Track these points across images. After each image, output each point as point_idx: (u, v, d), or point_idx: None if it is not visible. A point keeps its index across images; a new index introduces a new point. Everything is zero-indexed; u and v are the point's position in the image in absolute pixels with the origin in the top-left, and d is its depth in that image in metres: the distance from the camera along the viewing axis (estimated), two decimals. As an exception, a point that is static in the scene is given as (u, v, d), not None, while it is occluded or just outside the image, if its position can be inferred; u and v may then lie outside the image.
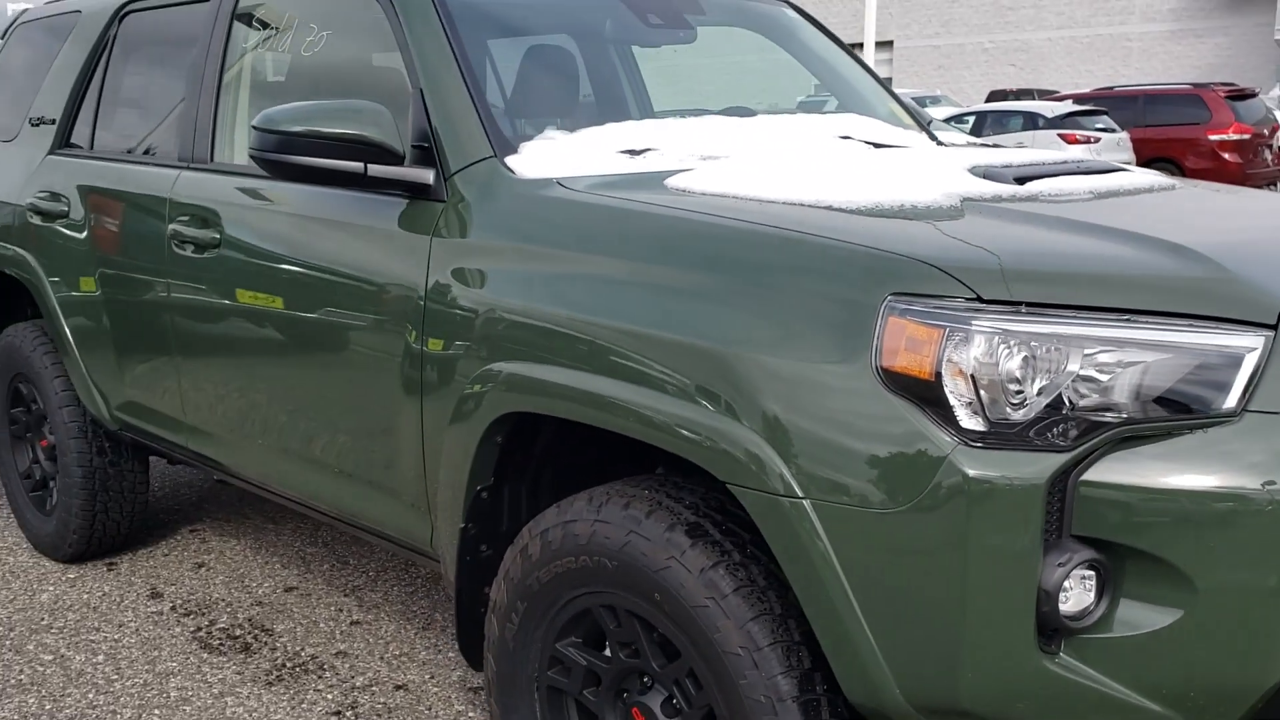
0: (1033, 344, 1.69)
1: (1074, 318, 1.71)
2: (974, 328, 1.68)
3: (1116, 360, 1.69)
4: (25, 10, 4.43)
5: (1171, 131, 16.32)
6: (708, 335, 1.91)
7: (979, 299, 1.71)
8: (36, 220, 3.76)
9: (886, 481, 1.71)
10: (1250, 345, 1.71)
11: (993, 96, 25.99)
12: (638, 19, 3.06)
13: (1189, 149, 15.81)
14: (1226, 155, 15.87)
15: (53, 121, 3.90)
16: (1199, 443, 1.68)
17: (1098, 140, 15.19)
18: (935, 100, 24.73)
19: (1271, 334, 1.72)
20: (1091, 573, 1.70)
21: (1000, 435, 1.68)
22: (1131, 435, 1.68)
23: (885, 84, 3.57)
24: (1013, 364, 1.68)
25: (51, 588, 3.87)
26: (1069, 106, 16.40)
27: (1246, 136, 16.17)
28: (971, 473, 1.65)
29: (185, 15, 3.44)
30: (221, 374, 3.08)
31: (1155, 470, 1.67)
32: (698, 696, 2.01)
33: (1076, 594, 1.69)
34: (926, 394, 1.70)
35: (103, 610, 3.68)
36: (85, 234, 3.53)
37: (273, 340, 2.85)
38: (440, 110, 2.51)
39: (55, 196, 3.69)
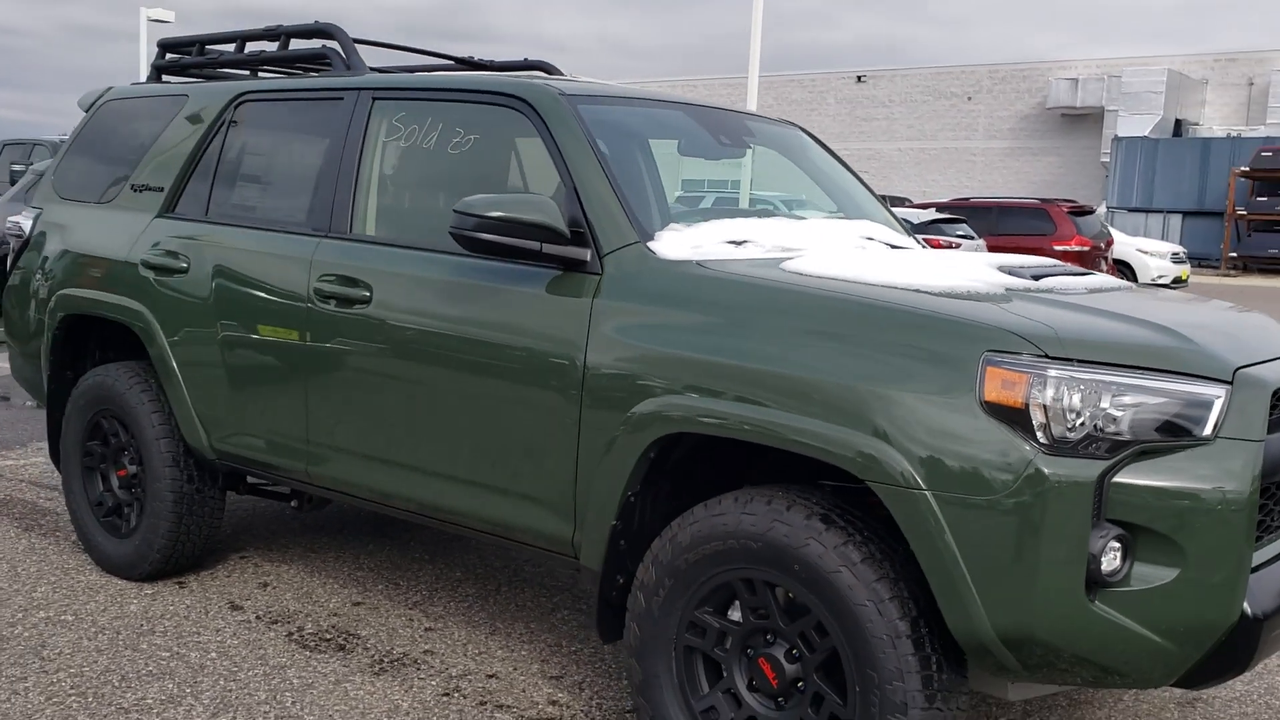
0: (1082, 388, 2.50)
1: (1105, 371, 2.53)
2: (1049, 375, 2.49)
3: (1132, 401, 2.52)
4: (110, 88, 4.96)
5: (1020, 241, 17.98)
6: (846, 376, 2.67)
7: (1047, 356, 2.52)
8: (149, 274, 4.30)
9: (986, 477, 2.49)
10: (1217, 394, 2.56)
11: (851, 200, 27.74)
12: (712, 138, 3.86)
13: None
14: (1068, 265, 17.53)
15: (159, 189, 4.45)
16: (1185, 459, 2.51)
17: (958, 245, 16.61)
18: (801, 204, 26.17)
19: (1230, 387, 2.58)
20: (1119, 544, 2.50)
21: (1060, 449, 2.48)
22: (1143, 450, 2.50)
23: (879, 197, 4.43)
24: (1072, 400, 2.49)
25: (135, 601, 4.33)
26: (933, 214, 17.92)
27: (1086, 248, 18.00)
28: (1048, 471, 2.45)
29: (308, 106, 4.08)
30: (364, 408, 3.66)
31: (1159, 476, 2.49)
32: (822, 643, 2.73)
33: (1108, 558, 2.49)
34: (1015, 418, 2.49)
35: (194, 618, 4.17)
36: (208, 287, 4.09)
37: (422, 379, 3.48)
38: (591, 203, 3.23)
39: (172, 254, 4.24)
